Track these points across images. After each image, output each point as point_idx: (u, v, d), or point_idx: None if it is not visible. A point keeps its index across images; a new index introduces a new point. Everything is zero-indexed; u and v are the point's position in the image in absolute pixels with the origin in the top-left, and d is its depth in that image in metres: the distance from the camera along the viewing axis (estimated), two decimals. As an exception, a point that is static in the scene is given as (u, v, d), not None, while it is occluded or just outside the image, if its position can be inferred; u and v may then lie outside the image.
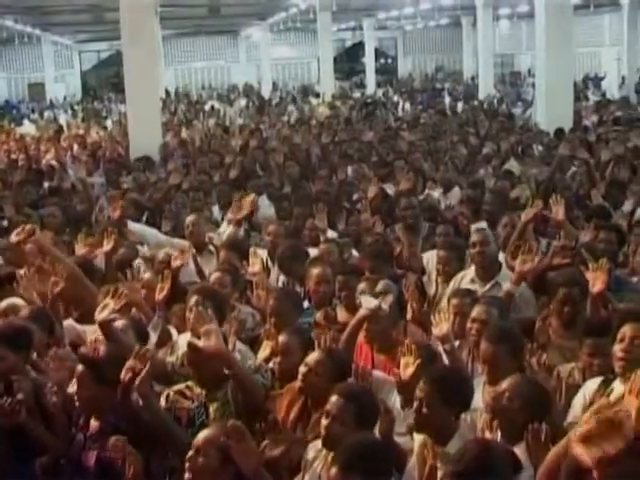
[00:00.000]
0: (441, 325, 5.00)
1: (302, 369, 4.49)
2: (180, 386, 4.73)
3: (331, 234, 8.00)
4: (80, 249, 7.11)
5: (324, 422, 3.98)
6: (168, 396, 4.68)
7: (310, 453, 4.18)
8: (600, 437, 2.98)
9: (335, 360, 4.55)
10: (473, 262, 6.60)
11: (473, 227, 7.99)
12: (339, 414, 3.96)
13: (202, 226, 7.90)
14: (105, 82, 45.69)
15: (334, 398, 4.03)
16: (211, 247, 7.76)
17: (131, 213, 8.66)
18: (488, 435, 4.08)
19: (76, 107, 36.14)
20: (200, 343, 4.44)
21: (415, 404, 4.14)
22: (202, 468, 3.76)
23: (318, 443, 4.17)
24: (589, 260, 5.89)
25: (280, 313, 5.64)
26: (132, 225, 8.21)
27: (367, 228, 8.17)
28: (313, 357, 4.53)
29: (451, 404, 4.11)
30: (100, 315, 5.01)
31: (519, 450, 3.91)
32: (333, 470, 3.48)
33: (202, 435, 3.87)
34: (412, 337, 5.04)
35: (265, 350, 5.33)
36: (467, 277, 6.52)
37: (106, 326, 5.01)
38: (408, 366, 4.51)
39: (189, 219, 7.90)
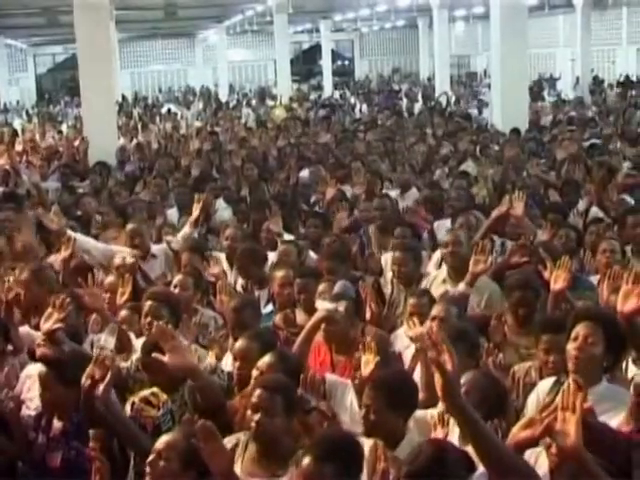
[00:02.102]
0: (416, 326, 5.01)
1: (254, 373, 4.47)
2: (145, 393, 4.69)
3: (287, 237, 7.99)
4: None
5: (255, 417, 3.95)
6: (133, 404, 4.65)
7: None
8: None
9: (286, 362, 4.54)
10: (445, 262, 6.63)
11: (436, 224, 8.08)
12: (267, 405, 3.95)
13: (144, 232, 7.82)
14: (61, 86, 45.32)
15: (258, 391, 4.01)
16: (153, 251, 7.70)
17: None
18: (440, 431, 4.09)
19: (31, 111, 35.78)
20: (165, 359, 4.42)
21: (362, 410, 4.15)
22: (163, 472, 3.73)
23: (232, 438, 4.15)
24: (547, 259, 5.95)
25: (240, 326, 5.58)
26: (71, 234, 8.07)
27: (344, 227, 8.17)
28: (264, 361, 4.51)
29: (398, 409, 4.11)
30: (45, 325, 4.98)
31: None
32: (306, 460, 3.46)
33: (163, 439, 3.84)
34: (370, 337, 5.04)
35: (211, 359, 5.32)
36: (439, 277, 6.54)
37: (52, 336, 4.98)
38: (368, 364, 4.52)
39: (129, 227, 7.82)
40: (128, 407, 4.64)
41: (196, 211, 8.13)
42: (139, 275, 7.00)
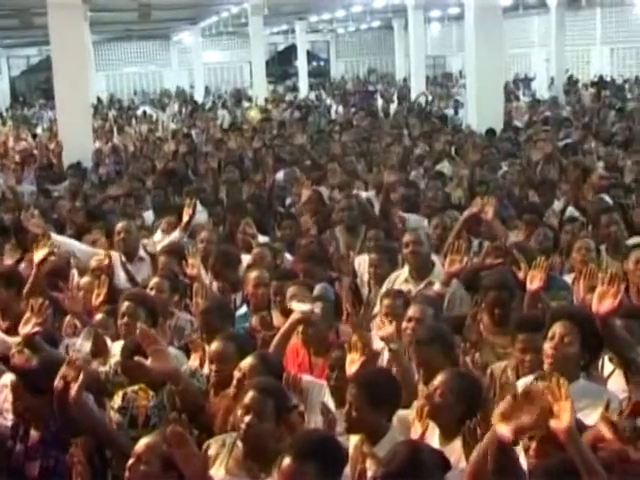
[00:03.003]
0: (386, 327, 5.02)
1: (236, 374, 4.47)
2: (134, 387, 4.68)
3: (262, 239, 7.98)
4: (8, 259, 7.01)
5: (245, 418, 3.94)
6: (125, 394, 4.64)
7: (211, 450, 4.14)
8: (517, 411, 3.27)
9: (268, 364, 4.54)
10: (407, 262, 6.64)
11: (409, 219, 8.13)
12: (259, 409, 3.95)
13: (133, 233, 7.81)
14: (35, 88, 45.01)
15: (251, 393, 4.01)
16: (142, 253, 7.68)
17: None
18: (418, 426, 4.10)
19: (5, 114, 35.54)
20: (147, 363, 4.42)
21: (345, 408, 4.16)
22: (144, 476, 3.72)
23: (219, 438, 4.17)
24: (520, 260, 5.97)
25: (208, 329, 5.57)
26: (55, 237, 8.04)
27: (306, 230, 8.17)
28: (246, 362, 4.51)
29: (380, 407, 4.13)
30: (23, 329, 4.95)
31: (456, 445, 3.96)
32: (287, 460, 3.45)
33: (143, 442, 3.83)
34: (345, 338, 5.05)
35: (195, 362, 5.30)
36: (401, 277, 6.56)
37: (30, 340, 4.95)
38: (354, 363, 4.52)
39: (120, 225, 7.79)
40: (119, 399, 4.63)
41: (186, 215, 8.08)
42: (126, 277, 6.99)
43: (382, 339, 5.04)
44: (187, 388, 4.55)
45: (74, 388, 4.28)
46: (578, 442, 3.30)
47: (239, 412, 4.02)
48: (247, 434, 3.94)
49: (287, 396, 4.21)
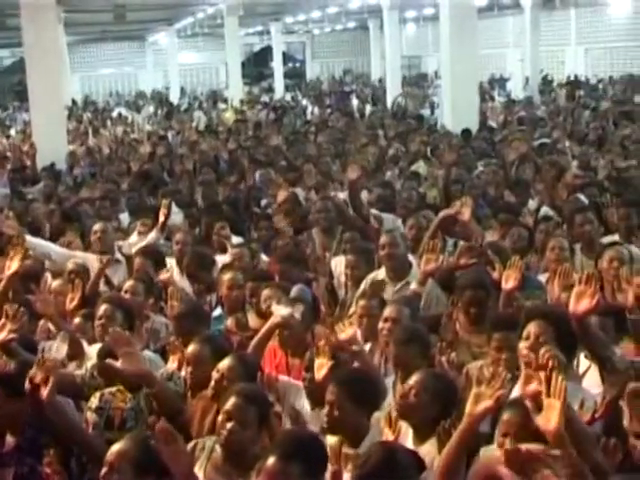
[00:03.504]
0: (346, 330, 5.01)
1: (214, 375, 4.45)
2: (111, 389, 4.65)
3: (236, 240, 7.95)
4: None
5: (227, 425, 3.93)
6: (102, 395, 4.61)
7: None
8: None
9: (246, 365, 4.53)
10: (383, 264, 6.65)
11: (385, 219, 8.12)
12: (241, 416, 3.93)
13: (109, 234, 7.77)
14: (8, 90, 44.69)
15: (234, 399, 3.99)
16: (118, 256, 7.65)
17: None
18: (389, 433, 4.11)
19: (-22, 116, 35.30)
20: (119, 364, 4.40)
21: (326, 407, 4.15)
22: None
23: (199, 442, 4.15)
24: (495, 260, 5.99)
25: (182, 332, 5.56)
26: (31, 240, 7.99)
27: (279, 230, 8.16)
28: (224, 363, 4.50)
29: (362, 405, 4.13)
30: None
31: (430, 446, 3.95)
32: (271, 460, 3.43)
33: (114, 449, 3.78)
34: (320, 339, 5.04)
35: (173, 364, 5.28)
36: (378, 277, 6.56)
37: (6, 347, 4.92)
38: (322, 367, 4.52)
39: (96, 227, 7.76)
40: (96, 400, 4.60)
41: (162, 217, 8.05)
42: (102, 280, 6.95)
43: (344, 342, 5.03)
44: (162, 390, 4.53)
45: (46, 390, 4.24)
46: (566, 445, 3.29)
47: (220, 418, 3.99)
48: (228, 441, 3.93)
49: (269, 403, 4.19)
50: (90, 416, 4.56)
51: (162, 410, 4.37)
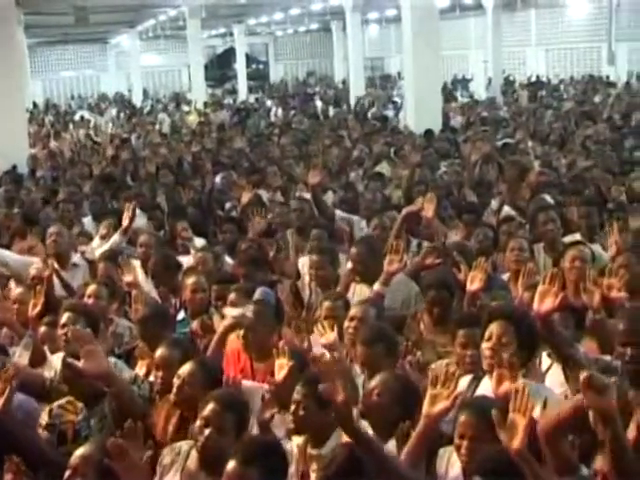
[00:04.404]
0: (327, 334, 5.01)
1: (175, 381, 4.43)
2: (61, 401, 4.58)
3: (200, 242, 7.92)
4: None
5: (205, 431, 3.91)
6: (51, 410, 4.53)
7: (166, 458, 4.11)
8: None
9: (206, 370, 4.51)
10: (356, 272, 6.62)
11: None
12: (219, 423, 3.91)
13: (65, 237, 7.66)
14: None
15: (211, 406, 3.97)
16: (76, 259, 7.57)
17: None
18: None
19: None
20: (80, 364, 4.36)
21: (292, 407, 4.15)
22: None
23: (175, 447, 4.13)
24: (460, 261, 6.01)
25: (146, 337, 5.53)
26: None
27: (260, 232, 8.15)
28: (185, 368, 4.48)
29: (327, 406, 4.12)
30: None
31: (390, 447, 3.95)
32: (231, 464, 3.45)
33: (77, 454, 3.77)
34: (286, 341, 5.04)
35: (141, 369, 5.24)
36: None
37: None
38: (282, 368, 4.51)
39: (51, 230, 7.65)
40: (46, 415, 4.53)
41: (126, 220, 7.96)
42: (60, 284, 6.88)
43: (325, 347, 5.03)
44: (123, 391, 4.48)
45: (1, 401, 4.20)
46: (529, 462, 3.30)
47: (197, 423, 3.97)
48: (205, 447, 3.90)
49: (248, 409, 4.15)
50: (42, 433, 4.50)
51: (123, 411, 4.34)
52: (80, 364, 4.37)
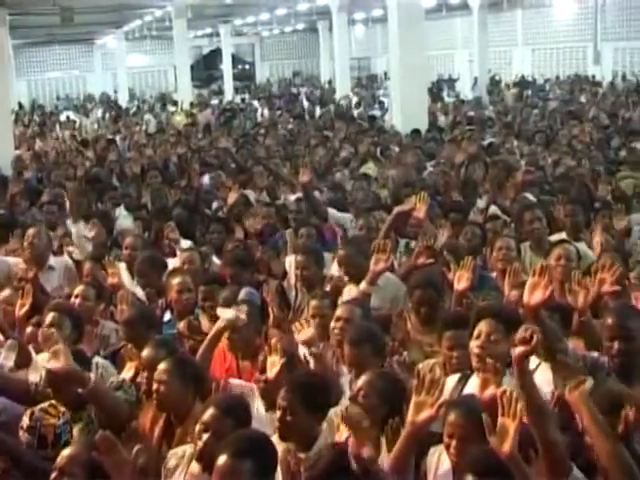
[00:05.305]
0: (305, 330, 5.00)
1: (154, 385, 4.41)
2: (43, 405, 4.57)
3: (186, 243, 7.90)
4: None
5: (204, 436, 3.90)
6: (32, 413, 4.51)
7: (171, 461, 4.12)
8: None
9: (184, 367, 4.51)
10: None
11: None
12: (218, 428, 3.90)
13: (43, 239, 7.56)
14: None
15: (211, 410, 3.97)
16: (52, 262, 7.52)
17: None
18: (343, 435, 4.10)
19: None
20: (49, 365, 4.35)
21: (278, 413, 4.13)
22: None
23: (179, 450, 4.14)
24: (450, 261, 6.00)
25: (132, 338, 5.51)
26: None
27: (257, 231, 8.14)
28: (161, 367, 4.48)
29: (314, 410, 4.12)
30: None
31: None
32: (223, 458, 3.44)
33: (65, 454, 3.76)
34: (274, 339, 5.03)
35: (129, 371, 5.22)
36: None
37: None
38: (275, 365, 4.50)
39: (29, 231, 7.55)
40: (27, 418, 4.51)
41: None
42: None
43: (303, 343, 5.02)
44: (97, 390, 4.43)
45: None
46: (519, 466, 3.34)
47: (197, 428, 3.97)
48: (203, 452, 3.90)
49: (249, 415, 4.13)
50: (22, 435, 4.47)
51: (100, 411, 4.34)
52: (47, 365, 4.36)
